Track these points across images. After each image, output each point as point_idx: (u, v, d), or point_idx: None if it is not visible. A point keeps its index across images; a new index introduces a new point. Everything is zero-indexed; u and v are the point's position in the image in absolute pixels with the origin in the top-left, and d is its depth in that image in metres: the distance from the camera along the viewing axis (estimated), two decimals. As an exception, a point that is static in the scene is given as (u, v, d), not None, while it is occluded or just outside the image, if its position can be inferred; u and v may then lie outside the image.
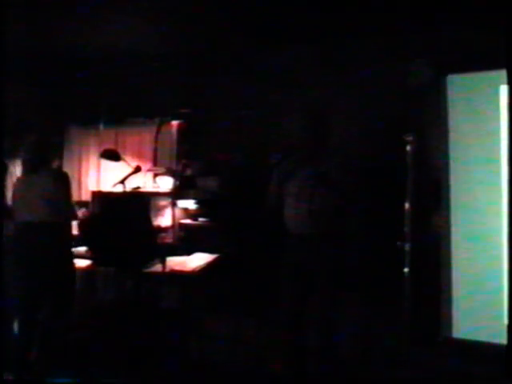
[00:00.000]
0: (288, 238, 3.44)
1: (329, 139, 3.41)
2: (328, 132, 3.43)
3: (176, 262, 4.06)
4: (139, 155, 5.14)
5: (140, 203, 4.19)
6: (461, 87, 3.94)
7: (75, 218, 4.02)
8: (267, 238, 3.81)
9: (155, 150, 4.94)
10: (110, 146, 4.95)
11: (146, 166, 4.80)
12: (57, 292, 3.76)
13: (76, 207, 4.17)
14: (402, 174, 3.56)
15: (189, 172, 4.67)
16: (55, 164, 4.03)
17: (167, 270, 3.91)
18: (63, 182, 3.81)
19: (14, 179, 3.99)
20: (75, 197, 5.32)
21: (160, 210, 4.85)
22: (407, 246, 3.54)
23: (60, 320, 3.76)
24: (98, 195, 4.89)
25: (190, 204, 4.72)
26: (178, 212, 4.63)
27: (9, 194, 4.06)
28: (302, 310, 3.43)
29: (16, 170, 4.26)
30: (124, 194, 4.05)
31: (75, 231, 4.14)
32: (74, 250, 4.02)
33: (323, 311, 3.40)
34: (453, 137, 3.95)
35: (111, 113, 5.28)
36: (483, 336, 3.66)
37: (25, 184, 3.77)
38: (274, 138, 4.40)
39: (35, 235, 3.67)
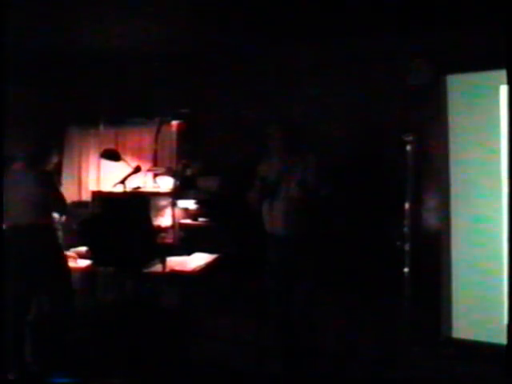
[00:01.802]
0: (268, 239, 3.64)
1: (302, 147, 3.64)
2: (301, 140, 3.65)
3: (176, 262, 4.06)
4: (139, 155, 5.13)
5: (140, 203, 4.19)
6: (461, 87, 3.94)
7: (66, 212, 3.99)
8: (266, 238, 3.80)
9: (155, 150, 4.93)
10: (109, 146, 4.95)
11: (145, 165, 4.79)
12: (50, 293, 3.76)
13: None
14: (401, 174, 3.56)
15: (189, 172, 4.67)
16: (49, 165, 4.00)
17: (167, 269, 3.91)
18: (46, 183, 3.79)
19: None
20: (75, 197, 5.35)
21: (160, 210, 4.85)
22: (407, 246, 3.54)
23: (56, 320, 3.76)
24: (98, 195, 4.89)
25: (190, 204, 4.72)
26: (178, 212, 4.63)
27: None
28: (286, 308, 3.53)
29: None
30: (124, 194, 4.05)
31: (75, 231, 4.15)
32: (65, 250, 4.02)
33: (303, 309, 3.56)
34: (453, 136, 3.95)
35: (111, 113, 5.28)
36: (483, 336, 3.67)
37: (12, 185, 3.73)
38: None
39: (23, 238, 3.66)
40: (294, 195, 3.52)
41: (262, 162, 3.76)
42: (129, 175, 4.10)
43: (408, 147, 3.56)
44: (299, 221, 3.55)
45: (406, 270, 3.54)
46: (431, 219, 4.05)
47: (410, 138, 3.56)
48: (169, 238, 4.61)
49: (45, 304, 3.87)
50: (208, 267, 4.10)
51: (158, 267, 3.93)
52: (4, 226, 3.64)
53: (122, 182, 4.02)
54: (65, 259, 3.91)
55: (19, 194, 3.65)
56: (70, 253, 4.15)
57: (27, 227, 3.67)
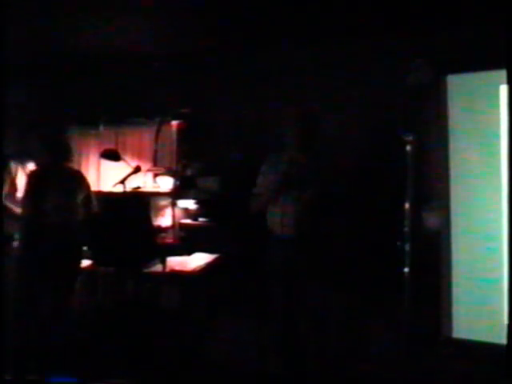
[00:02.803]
0: (273, 239, 3.58)
1: (316, 142, 3.56)
2: (316, 135, 3.57)
3: (176, 262, 4.06)
4: (139, 155, 5.13)
5: (140, 203, 4.19)
6: (461, 87, 3.94)
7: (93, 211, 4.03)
8: (266, 238, 3.81)
9: (155, 150, 4.94)
10: (109, 146, 4.95)
11: (145, 166, 4.80)
12: (63, 291, 3.78)
13: None
14: (401, 174, 3.56)
15: (189, 172, 4.67)
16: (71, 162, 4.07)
17: (167, 269, 3.91)
18: (85, 181, 3.84)
19: (22, 178, 3.98)
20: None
21: (160, 210, 4.85)
22: (407, 246, 3.54)
23: (63, 320, 3.77)
24: (98, 195, 4.89)
25: (190, 204, 4.73)
26: (178, 212, 4.63)
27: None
28: (288, 308, 3.52)
29: (22, 169, 4.27)
30: (124, 193, 4.05)
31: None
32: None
33: (305, 309, 3.54)
34: (453, 136, 3.95)
35: (111, 113, 5.28)
36: (483, 336, 3.66)
37: (48, 184, 3.74)
38: (273, 138, 4.40)
39: (62, 235, 3.68)
40: (303, 196, 3.50)
41: (269, 158, 3.71)
42: (129, 175, 4.10)
43: (408, 147, 3.55)
44: (304, 222, 3.52)
45: (406, 269, 3.54)
46: (431, 219, 4.05)
47: (410, 138, 3.55)
48: (169, 238, 4.62)
49: (45, 304, 3.87)
50: (208, 267, 4.10)
51: (158, 267, 3.94)
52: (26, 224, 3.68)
53: (122, 181, 4.02)
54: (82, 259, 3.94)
55: (61, 193, 3.68)
56: None
57: (62, 225, 3.69)
